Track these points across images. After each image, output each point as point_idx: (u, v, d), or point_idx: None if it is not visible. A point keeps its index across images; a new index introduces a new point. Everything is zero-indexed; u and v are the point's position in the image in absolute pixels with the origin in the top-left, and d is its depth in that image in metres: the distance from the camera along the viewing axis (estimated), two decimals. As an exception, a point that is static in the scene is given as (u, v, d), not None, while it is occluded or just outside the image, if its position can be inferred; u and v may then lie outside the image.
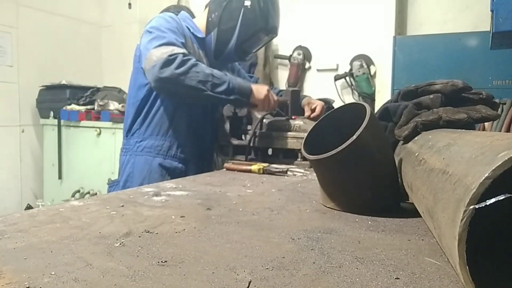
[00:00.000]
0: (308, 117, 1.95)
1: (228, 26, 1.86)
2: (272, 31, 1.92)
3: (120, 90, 3.94)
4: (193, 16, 2.11)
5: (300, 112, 1.98)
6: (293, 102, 1.92)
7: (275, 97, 1.82)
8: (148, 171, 1.80)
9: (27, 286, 0.50)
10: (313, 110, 2.00)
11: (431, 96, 1.00)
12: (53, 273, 0.54)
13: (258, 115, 1.91)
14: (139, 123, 1.87)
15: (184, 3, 4.69)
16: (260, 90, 1.75)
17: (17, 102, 4.05)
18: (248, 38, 1.88)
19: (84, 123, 3.82)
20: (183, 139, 1.87)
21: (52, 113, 4.03)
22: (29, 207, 3.83)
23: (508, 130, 2.37)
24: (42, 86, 4.11)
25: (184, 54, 1.65)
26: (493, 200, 0.40)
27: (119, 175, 1.92)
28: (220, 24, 1.87)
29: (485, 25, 2.78)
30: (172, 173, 1.80)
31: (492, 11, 1.74)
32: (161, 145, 1.84)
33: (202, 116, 1.93)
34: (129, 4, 3.96)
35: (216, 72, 1.69)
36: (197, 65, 1.65)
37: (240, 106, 1.89)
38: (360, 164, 0.90)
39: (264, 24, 1.85)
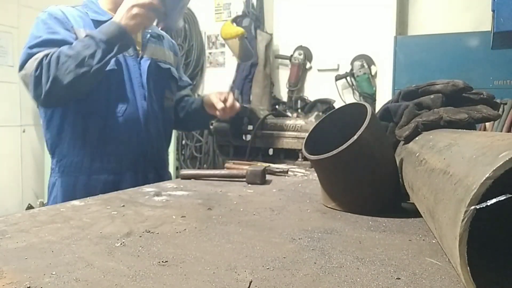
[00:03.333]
0: (224, 110, 1.66)
1: None
2: None
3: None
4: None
5: None
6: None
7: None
8: (72, 193, 1.47)
9: (28, 286, 0.50)
10: (225, 100, 1.68)
11: (432, 96, 1.00)
12: (54, 273, 0.54)
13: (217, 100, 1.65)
14: (54, 139, 1.55)
15: (185, 3, 4.69)
16: (123, 15, 1.38)
17: (18, 102, 4.06)
18: None
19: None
20: (106, 146, 1.53)
21: (53, 113, 4.03)
22: (30, 207, 3.84)
23: (509, 130, 2.36)
24: (43, 86, 4.12)
25: (45, 56, 1.35)
26: (494, 200, 0.40)
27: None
28: None
29: (486, 25, 2.79)
30: (103, 189, 1.37)
31: (493, 11, 1.75)
32: (81, 160, 1.52)
33: (128, 115, 1.55)
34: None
35: (78, 44, 1.37)
36: (59, 56, 1.34)
37: (127, 43, 1.43)
38: (361, 164, 0.90)
39: None
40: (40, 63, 1.33)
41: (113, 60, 1.45)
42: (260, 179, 1.31)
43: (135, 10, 1.38)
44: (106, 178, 1.52)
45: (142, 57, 1.61)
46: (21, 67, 1.39)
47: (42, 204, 1.79)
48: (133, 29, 1.40)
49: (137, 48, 1.62)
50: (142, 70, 1.59)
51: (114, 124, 1.53)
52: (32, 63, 1.35)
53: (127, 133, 1.56)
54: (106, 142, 1.53)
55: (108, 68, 1.43)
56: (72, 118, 1.51)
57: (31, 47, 1.39)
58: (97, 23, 1.49)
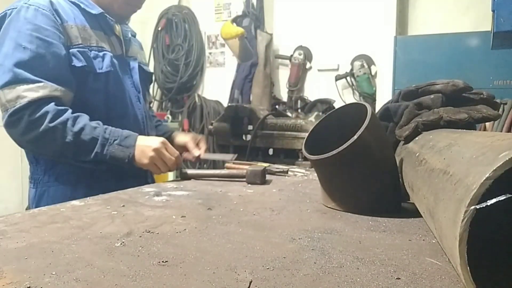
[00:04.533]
0: (197, 158, 1.60)
1: None
2: None
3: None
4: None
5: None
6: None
7: (174, 155, 1.37)
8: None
9: (28, 286, 0.50)
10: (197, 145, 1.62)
11: (432, 96, 1.00)
12: (54, 273, 0.54)
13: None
14: None
15: (185, 3, 4.70)
16: (145, 152, 1.32)
17: (18, 102, 4.05)
18: None
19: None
20: None
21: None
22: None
23: (509, 130, 2.36)
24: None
25: (32, 108, 1.21)
26: (494, 200, 0.40)
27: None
28: None
29: (486, 25, 2.79)
30: None
31: (493, 11, 1.75)
32: (81, 167, 1.35)
33: (129, 117, 1.48)
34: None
35: (83, 136, 1.27)
36: (54, 130, 1.23)
37: (120, 166, 1.35)
38: (361, 164, 0.90)
39: None
40: (23, 114, 1.22)
41: (108, 60, 1.39)
42: (260, 179, 1.31)
43: (156, 158, 1.33)
44: (108, 186, 1.33)
45: (129, 57, 1.55)
46: (5, 86, 1.22)
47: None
48: (139, 165, 1.33)
49: (123, 46, 1.53)
50: (133, 70, 1.53)
51: (116, 127, 1.40)
52: (9, 95, 1.22)
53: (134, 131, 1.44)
54: None
55: (104, 69, 1.38)
56: None
57: (17, 65, 1.22)
58: (88, 15, 1.39)
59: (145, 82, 1.65)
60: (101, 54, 1.38)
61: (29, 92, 1.22)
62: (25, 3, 1.28)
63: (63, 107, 1.27)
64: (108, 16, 1.45)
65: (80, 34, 1.35)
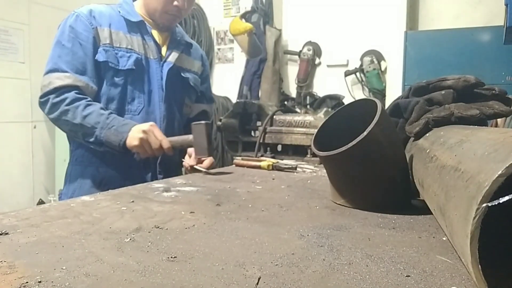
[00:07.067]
0: (191, 167, 1.56)
1: None
2: None
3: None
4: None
5: (209, 150, 1.49)
6: (197, 139, 1.49)
7: (160, 138, 1.47)
8: (79, 183, 1.59)
9: (39, 280, 0.51)
10: (200, 162, 1.56)
11: (443, 92, 0.99)
12: (64, 267, 0.55)
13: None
14: None
15: (194, -1, 4.69)
16: (134, 135, 1.45)
17: (29, 98, 4.09)
18: None
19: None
20: None
21: (63, 109, 4.06)
22: (41, 202, 3.88)
23: (521, 127, 2.33)
24: (54, 82, 4.15)
25: (57, 93, 1.47)
26: (506, 198, 0.39)
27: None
28: None
29: (499, 20, 2.74)
30: (108, 184, 1.50)
31: (506, 5, 1.72)
32: (93, 152, 1.56)
33: (145, 114, 1.62)
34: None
35: (89, 119, 1.46)
36: (67, 112, 1.46)
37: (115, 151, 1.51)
38: (371, 161, 0.90)
39: None
40: (48, 98, 1.49)
41: (132, 60, 1.57)
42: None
43: (144, 139, 1.45)
44: (114, 171, 1.58)
45: (165, 61, 1.67)
46: (46, 73, 1.52)
47: (59, 193, 1.72)
48: (130, 147, 1.46)
49: (162, 52, 1.69)
50: (164, 73, 1.66)
51: (130, 119, 1.55)
52: (45, 81, 1.50)
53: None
54: None
55: (126, 67, 1.56)
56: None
57: (56, 57, 1.51)
58: (128, 22, 1.62)
59: (181, 86, 1.75)
60: (128, 54, 1.59)
61: (57, 80, 1.49)
62: (74, 11, 1.59)
63: (82, 96, 1.50)
64: (147, 24, 1.66)
65: (110, 36, 1.57)
